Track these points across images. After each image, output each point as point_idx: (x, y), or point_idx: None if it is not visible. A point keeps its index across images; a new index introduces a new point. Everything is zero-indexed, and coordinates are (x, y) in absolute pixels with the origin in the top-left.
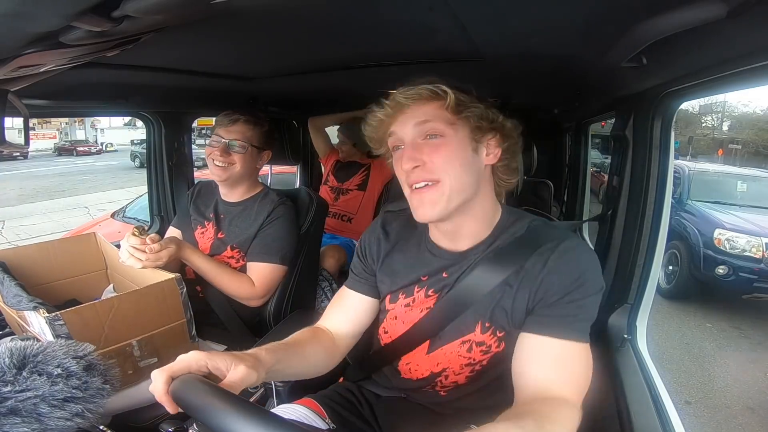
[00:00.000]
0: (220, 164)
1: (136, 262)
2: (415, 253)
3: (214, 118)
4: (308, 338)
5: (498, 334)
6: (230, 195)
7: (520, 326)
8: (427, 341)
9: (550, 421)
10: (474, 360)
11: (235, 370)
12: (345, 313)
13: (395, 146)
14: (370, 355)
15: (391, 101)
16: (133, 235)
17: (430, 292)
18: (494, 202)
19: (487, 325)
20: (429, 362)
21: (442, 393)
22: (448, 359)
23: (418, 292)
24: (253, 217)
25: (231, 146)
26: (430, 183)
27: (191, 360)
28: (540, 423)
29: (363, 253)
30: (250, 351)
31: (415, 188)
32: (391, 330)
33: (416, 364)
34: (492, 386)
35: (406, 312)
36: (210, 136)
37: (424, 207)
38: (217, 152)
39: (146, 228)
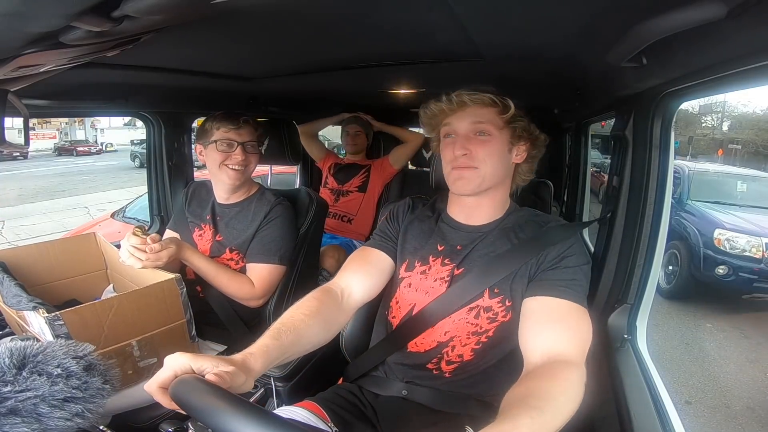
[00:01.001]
0: (239, 168)
1: (136, 261)
2: (433, 225)
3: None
4: (307, 315)
5: (507, 303)
6: (229, 197)
7: (523, 293)
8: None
9: (552, 397)
10: (480, 328)
11: (225, 369)
12: (361, 268)
13: (447, 134)
14: (381, 341)
15: (456, 98)
16: (134, 234)
17: (446, 261)
18: (508, 193)
19: (496, 291)
20: (436, 332)
21: (447, 374)
22: (456, 326)
23: (434, 261)
24: (250, 218)
25: (246, 148)
26: (471, 167)
27: (176, 366)
28: (544, 403)
29: (392, 216)
30: (238, 356)
31: (457, 167)
32: (403, 300)
33: (422, 337)
34: (495, 368)
35: (422, 280)
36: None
37: (462, 181)
38: (238, 156)
39: (146, 228)
